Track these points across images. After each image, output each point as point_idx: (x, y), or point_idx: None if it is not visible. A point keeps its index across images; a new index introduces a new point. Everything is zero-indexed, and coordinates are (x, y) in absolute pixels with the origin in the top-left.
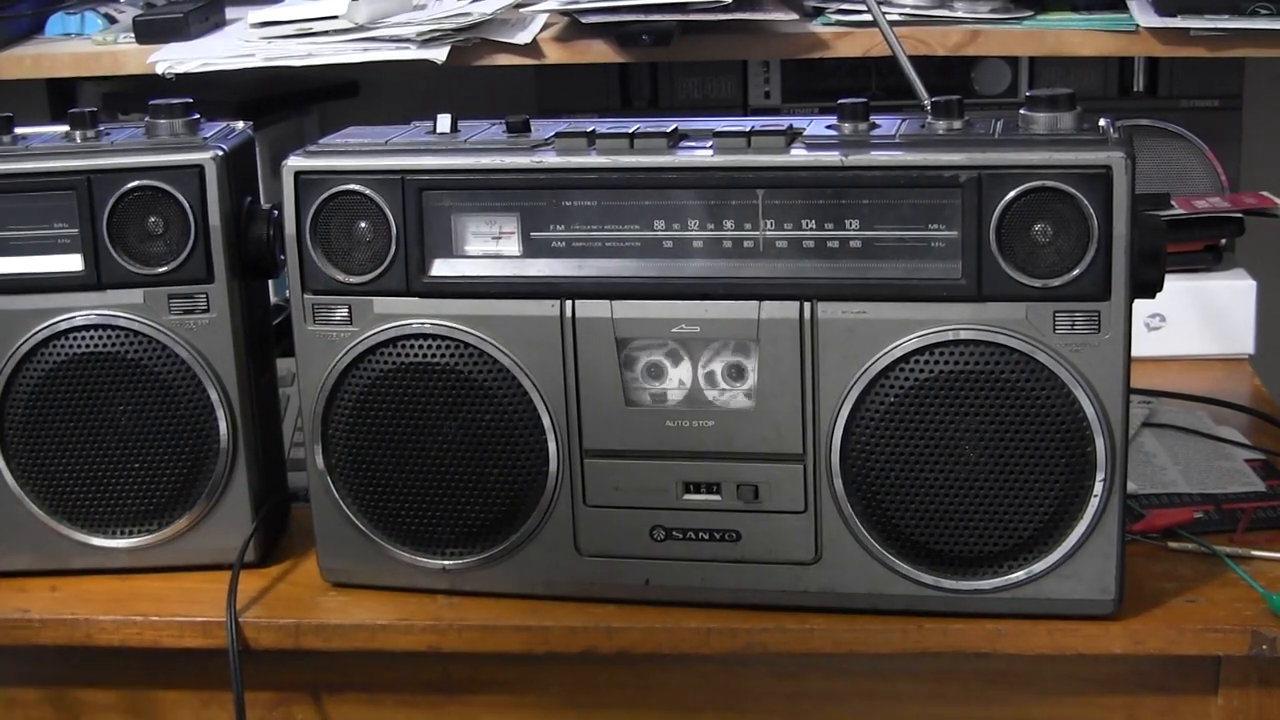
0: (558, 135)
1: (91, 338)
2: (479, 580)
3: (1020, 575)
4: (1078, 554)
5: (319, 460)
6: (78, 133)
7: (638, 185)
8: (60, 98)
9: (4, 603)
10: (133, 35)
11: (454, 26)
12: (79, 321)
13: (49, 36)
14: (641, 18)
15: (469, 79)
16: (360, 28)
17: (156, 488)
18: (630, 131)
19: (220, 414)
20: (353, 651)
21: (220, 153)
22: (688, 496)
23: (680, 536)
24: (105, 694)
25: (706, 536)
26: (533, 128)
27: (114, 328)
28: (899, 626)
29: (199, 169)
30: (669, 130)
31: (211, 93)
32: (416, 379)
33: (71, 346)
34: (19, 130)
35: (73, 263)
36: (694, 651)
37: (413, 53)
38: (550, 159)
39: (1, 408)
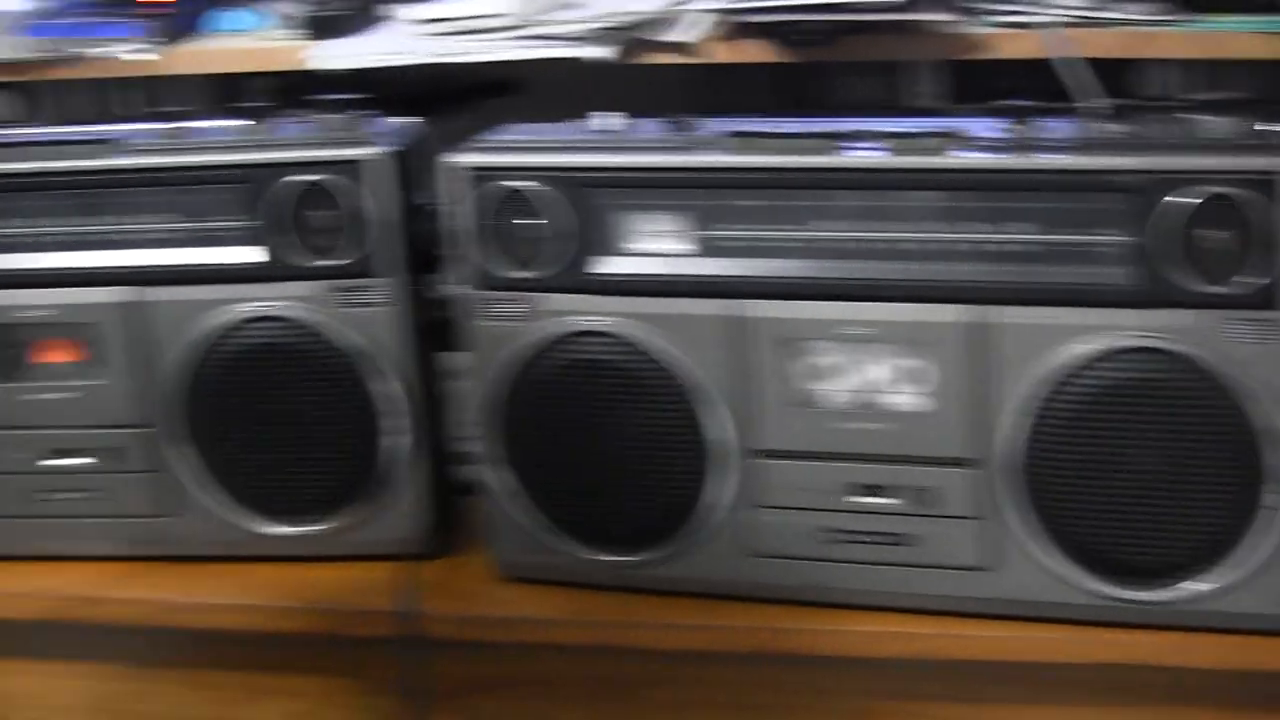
0: (730, 135)
1: (269, 329)
2: (650, 578)
3: (1197, 587)
4: (1257, 567)
5: (493, 454)
6: (252, 127)
7: (808, 185)
8: (227, 94)
9: (187, 588)
10: (300, 31)
11: (621, 24)
12: (257, 312)
13: (215, 31)
14: (805, 17)
15: (620, 77)
16: (525, 25)
17: (332, 477)
18: (799, 132)
19: (395, 406)
20: (524, 644)
21: (392, 149)
22: (858, 499)
23: (850, 539)
24: (279, 680)
25: (876, 540)
26: (698, 126)
27: (290, 319)
28: (1072, 636)
29: (372, 164)
30: (839, 131)
31: (379, 89)
32: (588, 376)
33: (250, 337)
34: (193, 124)
35: (251, 254)
36: (865, 655)
37: (582, 50)
38: (723, 158)
39: (188, 397)
